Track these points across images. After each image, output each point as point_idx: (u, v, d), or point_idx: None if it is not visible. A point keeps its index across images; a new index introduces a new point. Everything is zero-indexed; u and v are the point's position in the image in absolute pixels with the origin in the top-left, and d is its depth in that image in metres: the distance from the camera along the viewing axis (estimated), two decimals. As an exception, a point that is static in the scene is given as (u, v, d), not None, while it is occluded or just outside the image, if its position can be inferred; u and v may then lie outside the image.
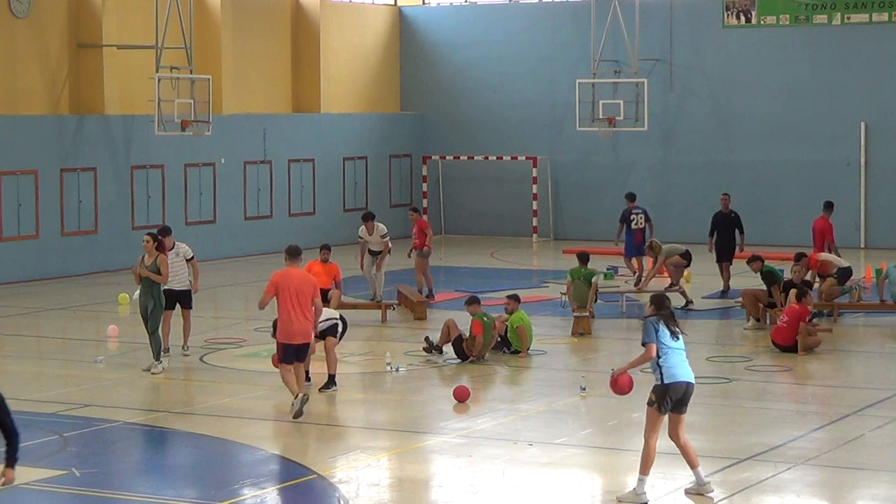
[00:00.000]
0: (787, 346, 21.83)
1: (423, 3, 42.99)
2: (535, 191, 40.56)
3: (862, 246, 36.85)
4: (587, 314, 24.07)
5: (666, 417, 13.77)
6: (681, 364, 13.77)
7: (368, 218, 27.36)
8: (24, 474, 14.71)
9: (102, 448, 16.37)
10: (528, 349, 21.87)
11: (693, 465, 13.85)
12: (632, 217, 30.17)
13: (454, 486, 14.58)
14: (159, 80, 32.11)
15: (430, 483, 14.90)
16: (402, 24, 42.43)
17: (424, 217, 28.23)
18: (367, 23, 41.40)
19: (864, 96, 37.27)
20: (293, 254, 17.91)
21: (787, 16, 37.82)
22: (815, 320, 23.20)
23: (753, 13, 38.17)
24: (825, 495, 14.34)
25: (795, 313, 21.95)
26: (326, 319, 19.23)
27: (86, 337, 24.52)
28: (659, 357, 13.68)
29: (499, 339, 21.96)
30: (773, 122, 38.16)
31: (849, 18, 37.23)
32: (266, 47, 38.22)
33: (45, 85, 32.69)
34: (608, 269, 30.62)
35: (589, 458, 15.70)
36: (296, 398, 17.48)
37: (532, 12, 41.38)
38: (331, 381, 19.16)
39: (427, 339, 21.86)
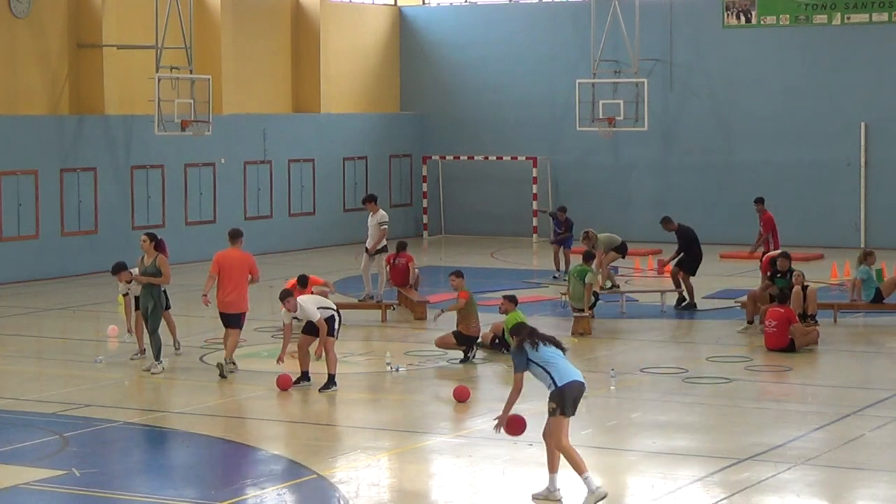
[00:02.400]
0: (781, 348, 21.85)
1: (423, 3, 42.99)
2: (535, 191, 40.55)
3: (862, 246, 36.80)
4: (587, 314, 24.04)
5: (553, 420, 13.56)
6: (568, 365, 13.61)
7: (371, 199, 27.21)
8: (24, 474, 14.75)
9: (102, 448, 16.36)
10: (527, 349, 21.82)
11: (581, 471, 13.49)
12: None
13: (454, 486, 14.58)
14: (159, 80, 32.11)
15: (430, 483, 14.90)
16: (402, 24, 42.43)
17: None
18: (367, 23, 41.40)
19: (864, 96, 37.27)
20: (234, 236, 20.89)
21: (787, 16, 37.82)
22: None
23: (753, 13, 38.17)
24: (825, 495, 14.34)
25: (782, 317, 21.92)
26: (325, 308, 19.29)
27: (86, 337, 24.51)
28: (546, 367, 13.47)
29: (497, 340, 21.95)
30: (773, 122, 38.16)
31: (849, 18, 37.23)
32: (266, 47, 38.22)
33: (45, 85, 32.69)
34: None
35: (589, 458, 15.62)
36: (224, 360, 20.27)
37: (532, 12, 41.39)
38: (330, 381, 19.16)
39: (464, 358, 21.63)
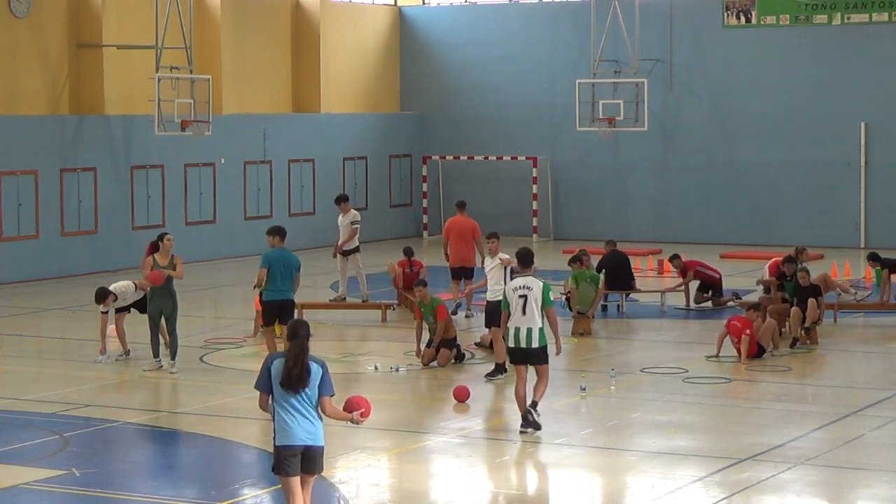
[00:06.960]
0: (754, 355, 21.45)
1: (423, 3, 42.99)
2: (535, 191, 40.55)
3: (862, 246, 36.83)
4: (588, 314, 24.03)
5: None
6: (295, 420, 11.20)
7: (342, 199, 27.59)
8: (24, 474, 14.75)
9: (102, 448, 16.36)
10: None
11: None
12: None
13: (454, 486, 14.58)
14: (159, 80, 32.11)
15: (430, 483, 14.90)
16: (402, 24, 42.43)
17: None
18: (367, 23, 41.40)
19: (864, 96, 37.27)
20: (460, 206, 26.68)
21: (787, 16, 37.81)
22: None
23: (753, 13, 38.17)
24: (825, 495, 14.34)
25: (740, 330, 21.26)
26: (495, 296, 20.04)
27: (86, 337, 24.51)
28: (275, 410, 11.20)
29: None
30: (773, 122, 38.15)
31: (849, 18, 37.23)
32: (266, 47, 38.22)
33: (45, 85, 32.69)
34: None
35: (589, 458, 15.69)
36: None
37: (532, 12, 41.39)
38: (497, 370, 19.77)
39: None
